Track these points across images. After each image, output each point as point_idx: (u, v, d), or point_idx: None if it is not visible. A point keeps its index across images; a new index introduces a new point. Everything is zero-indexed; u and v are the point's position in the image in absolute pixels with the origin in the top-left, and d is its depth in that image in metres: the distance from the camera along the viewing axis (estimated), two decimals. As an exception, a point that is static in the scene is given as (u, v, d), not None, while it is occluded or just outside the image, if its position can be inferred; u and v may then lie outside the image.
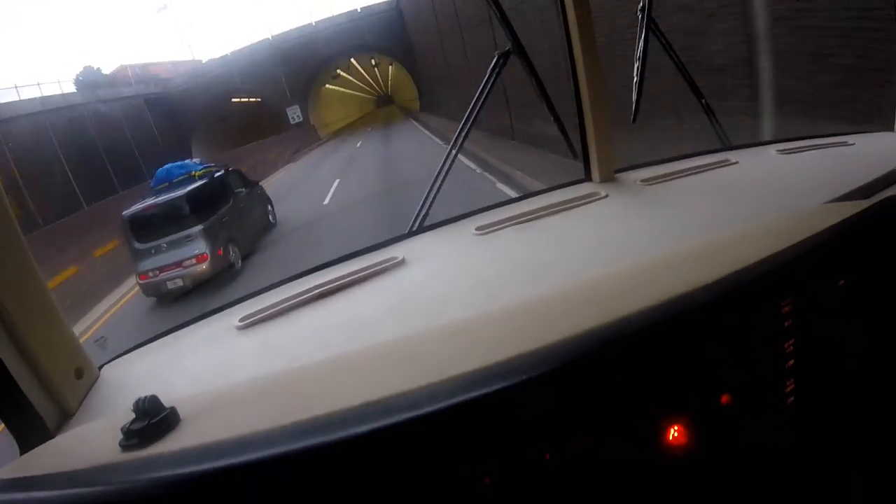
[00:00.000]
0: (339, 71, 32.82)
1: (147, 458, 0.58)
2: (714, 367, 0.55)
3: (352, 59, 32.20)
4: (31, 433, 0.80)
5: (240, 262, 6.79)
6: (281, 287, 1.19)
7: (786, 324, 0.57)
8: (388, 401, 0.56)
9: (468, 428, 0.52)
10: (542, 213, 1.19)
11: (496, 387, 0.52)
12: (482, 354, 0.58)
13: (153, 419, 0.62)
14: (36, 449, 0.77)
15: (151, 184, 7.42)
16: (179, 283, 6.30)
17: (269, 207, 8.71)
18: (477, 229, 1.18)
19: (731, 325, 0.57)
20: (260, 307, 1.07)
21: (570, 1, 1.16)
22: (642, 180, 1.25)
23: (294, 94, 25.95)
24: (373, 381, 0.62)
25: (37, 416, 0.81)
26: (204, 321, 1.15)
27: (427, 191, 1.36)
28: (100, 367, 0.99)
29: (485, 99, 1.35)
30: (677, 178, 1.24)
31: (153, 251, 6.43)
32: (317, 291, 1.06)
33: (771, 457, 0.59)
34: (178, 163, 7.69)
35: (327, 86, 33.55)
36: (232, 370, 0.90)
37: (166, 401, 0.65)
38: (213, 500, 0.53)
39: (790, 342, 0.57)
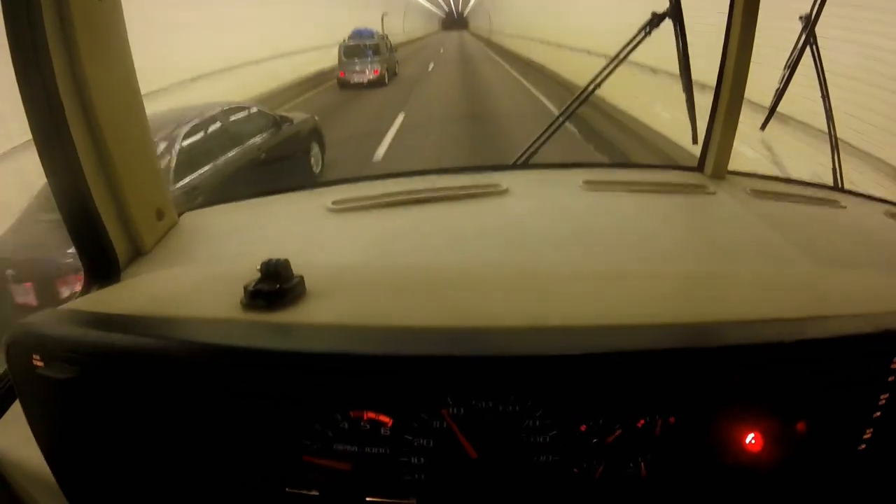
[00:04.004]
0: None
1: (277, 324, 0.57)
2: (802, 393, 0.55)
3: None
4: (101, 264, 0.80)
5: (386, 80, 14.33)
6: (377, 181, 1.21)
7: (889, 379, 0.56)
8: (552, 332, 0.56)
9: (584, 378, 0.52)
10: (650, 188, 1.19)
11: (620, 348, 0.53)
12: (608, 311, 0.60)
13: (283, 284, 0.59)
14: (125, 283, 0.77)
15: (351, 33, 14.90)
16: (360, 79, 13.84)
17: (397, 64, 16.19)
18: (585, 182, 1.18)
19: (834, 362, 0.56)
20: (354, 195, 1.08)
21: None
22: (752, 189, 1.22)
23: None
24: (521, 304, 0.62)
25: (110, 247, 0.80)
26: (295, 194, 1.17)
27: (544, 129, 1.35)
28: (180, 214, 0.99)
29: (625, 57, 1.32)
30: (786, 200, 1.22)
31: (350, 63, 13.96)
32: (415, 196, 1.07)
33: (828, 490, 0.59)
34: (366, 27, 15.19)
35: None
36: (319, 249, 0.89)
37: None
38: (342, 383, 0.52)
39: (886, 396, 0.57)
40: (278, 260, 0.60)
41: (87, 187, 0.75)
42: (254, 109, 4.97)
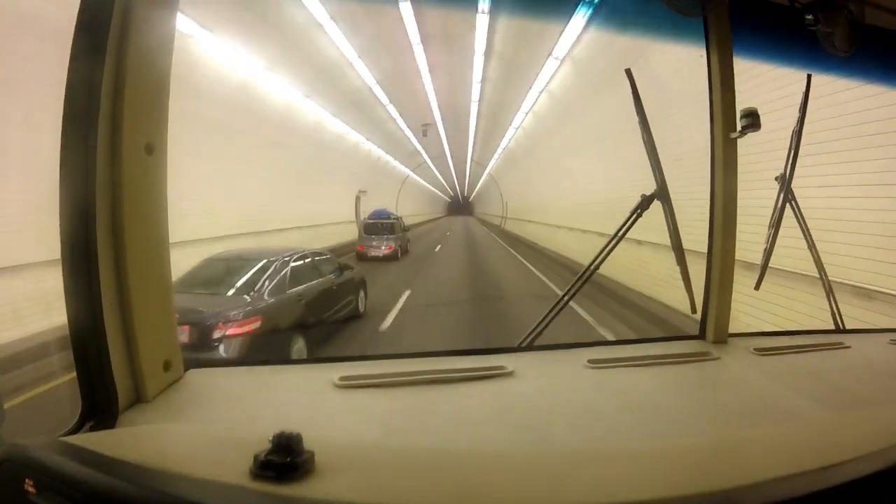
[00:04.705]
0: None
1: (287, 498, 0.57)
2: None
3: None
4: (101, 402, 0.80)
5: (399, 255, 16.62)
6: (385, 360, 1.24)
7: None
8: None
9: None
10: (654, 360, 1.21)
11: None
12: (622, 490, 0.60)
13: (294, 458, 0.61)
14: (129, 429, 0.76)
15: (371, 213, 17.70)
16: (376, 254, 15.96)
17: (409, 241, 18.80)
18: (589, 361, 1.21)
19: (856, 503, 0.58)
20: (361, 372, 1.10)
21: (720, 173, 1.23)
22: (755, 349, 1.25)
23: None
24: (530, 486, 0.62)
25: (113, 387, 0.81)
26: (302, 366, 1.22)
27: (546, 311, 1.41)
28: (186, 369, 1.02)
29: (622, 237, 1.41)
30: (789, 353, 1.25)
31: (369, 238, 16.27)
32: (422, 377, 1.09)
33: None
34: (384, 209, 18.12)
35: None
36: (326, 423, 0.91)
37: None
38: None
39: None
40: (291, 433, 0.62)
41: (103, 324, 0.78)
42: (327, 255, 6.74)
